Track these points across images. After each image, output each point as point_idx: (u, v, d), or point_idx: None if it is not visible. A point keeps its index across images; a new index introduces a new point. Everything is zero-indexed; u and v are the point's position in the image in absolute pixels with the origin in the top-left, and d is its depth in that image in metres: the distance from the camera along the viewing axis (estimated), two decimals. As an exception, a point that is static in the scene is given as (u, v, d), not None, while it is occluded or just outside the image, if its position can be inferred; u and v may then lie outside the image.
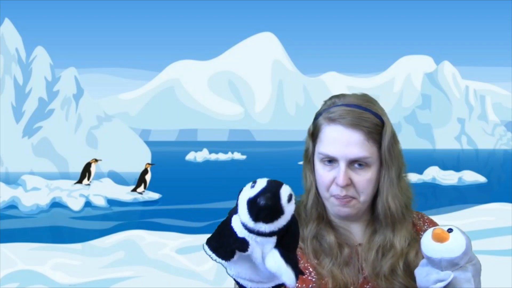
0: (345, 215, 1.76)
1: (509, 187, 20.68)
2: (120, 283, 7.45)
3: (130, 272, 7.68)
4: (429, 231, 1.61)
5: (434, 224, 1.87)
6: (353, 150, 1.70)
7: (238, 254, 1.32)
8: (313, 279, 1.73)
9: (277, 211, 1.27)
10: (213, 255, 1.32)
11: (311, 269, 1.74)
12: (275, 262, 1.32)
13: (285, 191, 1.29)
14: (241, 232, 1.31)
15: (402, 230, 1.76)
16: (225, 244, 1.32)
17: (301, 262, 1.75)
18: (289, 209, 1.30)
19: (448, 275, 1.58)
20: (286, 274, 1.32)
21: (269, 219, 1.27)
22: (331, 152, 1.72)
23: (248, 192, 1.29)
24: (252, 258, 1.33)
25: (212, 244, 1.33)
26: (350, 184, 1.72)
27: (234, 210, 1.34)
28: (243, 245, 1.30)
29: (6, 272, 7.59)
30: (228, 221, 1.34)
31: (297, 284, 1.72)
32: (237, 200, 1.31)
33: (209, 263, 7.76)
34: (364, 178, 1.73)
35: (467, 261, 1.60)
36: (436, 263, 1.60)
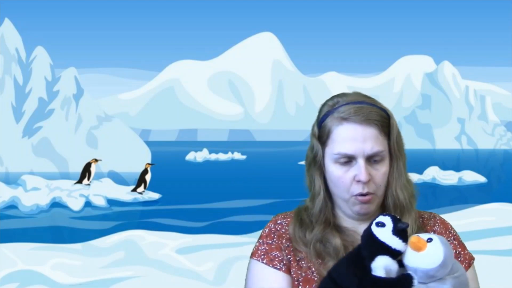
0: (366, 212, 1.76)
1: (509, 187, 20.68)
2: (120, 283, 7.45)
3: (130, 272, 7.68)
4: (409, 238, 1.56)
5: (445, 225, 1.85)
6: (370, 145, 1.72)
7: None
8: (315, 279, 1.73)
9: None
10: None
11: (313, 269, 1.74)
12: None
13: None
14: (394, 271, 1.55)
15: (410, 219, 1.77)
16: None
17: (304, 263, 1.75)
18: None
19: None
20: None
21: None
22: (349, 150, 1.72)
23: (382, 231, 1.54)
24: None
25: None
26: (370, 179, 1.73)
27: (359, 262, 1.55)
28: (409, 279, 1.53)
29: (6, 272, 7.59)
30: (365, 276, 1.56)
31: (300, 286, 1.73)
32: (368, 249, 1.54)
33: (209, 263, 7.77)
34: (380, 172, 1.75)
35: (447, 274, 1.54)
36: (412, 272, 1.54)
